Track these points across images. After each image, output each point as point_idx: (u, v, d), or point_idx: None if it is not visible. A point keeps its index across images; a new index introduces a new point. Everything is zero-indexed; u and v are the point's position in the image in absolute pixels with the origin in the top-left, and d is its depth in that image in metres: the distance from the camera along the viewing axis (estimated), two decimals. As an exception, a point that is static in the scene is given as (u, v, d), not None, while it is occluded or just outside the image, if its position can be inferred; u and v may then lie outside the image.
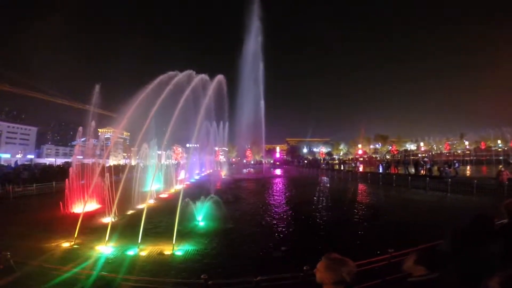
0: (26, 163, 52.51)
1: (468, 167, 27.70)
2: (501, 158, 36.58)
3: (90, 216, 11.90)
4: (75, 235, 9.03)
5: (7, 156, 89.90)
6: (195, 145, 40.55)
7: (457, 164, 22.94)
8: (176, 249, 8.27)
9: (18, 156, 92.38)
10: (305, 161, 59.95)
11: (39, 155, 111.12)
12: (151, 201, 16.33)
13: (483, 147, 71.97)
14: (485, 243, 2.97)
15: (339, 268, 1.72)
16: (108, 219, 10.63)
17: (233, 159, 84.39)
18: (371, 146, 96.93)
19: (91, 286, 4.18)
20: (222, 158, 68.51)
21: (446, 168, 21.14)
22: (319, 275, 1.80)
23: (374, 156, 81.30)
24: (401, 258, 5.60)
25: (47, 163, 50.81)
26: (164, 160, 28.60)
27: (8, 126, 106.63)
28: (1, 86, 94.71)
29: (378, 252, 5.73)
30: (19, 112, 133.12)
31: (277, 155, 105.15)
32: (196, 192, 16.60)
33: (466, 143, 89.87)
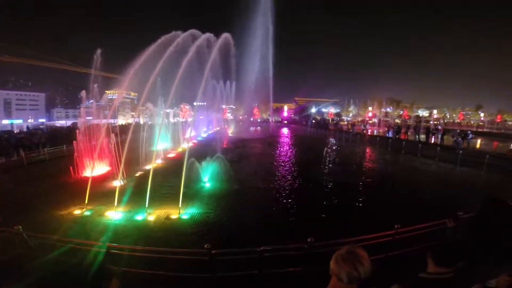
0: (39, 126, 53.33)
1: (479, 140, 26.81)
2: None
3: (99, 180, 12.18)
4: (86, 202, 9.27)
5: (20, 121, 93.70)
6: (203, 103, 40.04)
7: (470, 136, 22.07)
8: (182, 213, 8.53)
9: (30, 121, 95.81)
10: (313, 121, 59.00)
11: (50, 119, 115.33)
12: (158, 161, 16.64)
13: (498, 120, 69.26)
14: (501, 229, 2.74)
15: (343, 266, 1.61)
16: (116, 183, 10.85)
17: (240, 117, 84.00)
18: (382, 110, 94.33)
19: (101, 259, 4.31)
20: (229, 116, 68.16)
21: (459, 139, 20.46)
22: (330, 262, 1.70)
23: (385, 119, 79.56)
24: (405, 235, 5.65)
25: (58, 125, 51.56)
26: (171, 118, 28.45)
27: (17, 94, 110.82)
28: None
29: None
30: (25, 80, 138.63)
31: (285, 113, 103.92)
32: (203, 151, 16.71)
33: (481, 114, 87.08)
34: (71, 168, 13.46)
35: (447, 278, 2.15)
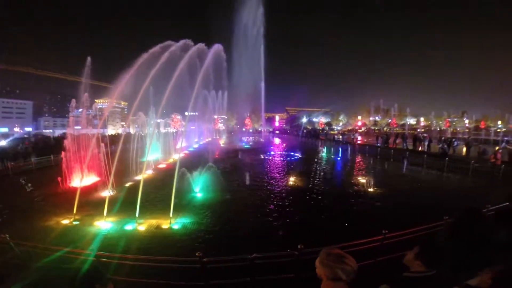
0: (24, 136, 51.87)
1: (464, 148, 27.69)
2: (498, 139, 36.72)
3: (88, 191, 11.97)
4: (74, 212, 9.09)
5: (5, 130, 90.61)
6: (194, 113, 40.04)
7: (455, 143, 22.91)
8: (173, 223, 8.46)
9: (16, 129, 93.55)
10: (304, 131, 59.63)
11: (37, 127, 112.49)
12: (149, 172, 16.45)
13: (482, 126, 71.62)
14: (477, 237, 2.93)
15: (335, 265, 1.68)
16: (106, 193, 10.69)
17: (235, 128, 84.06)
18: (371, 118, 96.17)
19: (89, 268, 4.24)
20: (221, 126, 68.24)
21: (445, 146, 21.15)
22: (317, 270, 1.79)
23: (374, 128, 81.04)
24: (393, 240, 5.76)
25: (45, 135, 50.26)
26: (162, 128, 28.29)
27: (3, 102, 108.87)
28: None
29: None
30: (12, 88, 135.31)
31: (276, 124, 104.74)
32: (195, 161, 16.66)
33: (466, 121, 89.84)
34: (59, 178, 13.18)
35: (429, 276, 2.27)
